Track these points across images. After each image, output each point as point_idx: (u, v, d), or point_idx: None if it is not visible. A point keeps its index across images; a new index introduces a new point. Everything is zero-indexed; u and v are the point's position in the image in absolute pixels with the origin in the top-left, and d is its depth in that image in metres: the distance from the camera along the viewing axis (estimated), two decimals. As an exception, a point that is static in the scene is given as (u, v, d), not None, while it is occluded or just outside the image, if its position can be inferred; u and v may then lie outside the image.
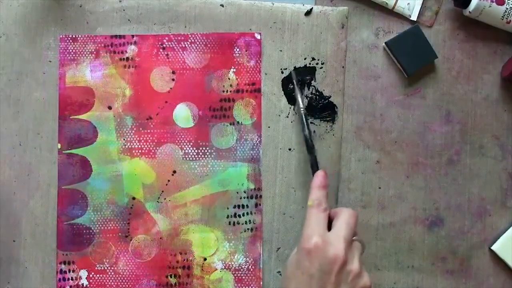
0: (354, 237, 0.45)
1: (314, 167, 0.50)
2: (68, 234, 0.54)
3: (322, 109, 0.55)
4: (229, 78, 0.55)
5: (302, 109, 0.52)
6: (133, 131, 0.54)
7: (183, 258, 0.54)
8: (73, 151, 0.54)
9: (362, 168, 0.55)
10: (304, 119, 0.52)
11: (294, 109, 0.54)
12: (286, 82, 0.55)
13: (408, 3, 0.55)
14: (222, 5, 0.55)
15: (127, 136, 0.54)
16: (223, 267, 0.54)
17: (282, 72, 0.55)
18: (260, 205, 0.54)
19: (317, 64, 0.55)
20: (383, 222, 0.55)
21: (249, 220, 0.54)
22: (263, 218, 0.54)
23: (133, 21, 0.55)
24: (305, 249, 0.43)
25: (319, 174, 0.48)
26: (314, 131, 0.55)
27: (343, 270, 0.42)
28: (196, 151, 0.54)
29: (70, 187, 0.54)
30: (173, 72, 0.55)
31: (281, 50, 0.55)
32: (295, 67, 0.55)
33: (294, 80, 0.54)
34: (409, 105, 0.56)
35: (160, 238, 0.54)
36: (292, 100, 0.55)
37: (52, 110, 0.54)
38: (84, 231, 0.54)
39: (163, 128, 0.54)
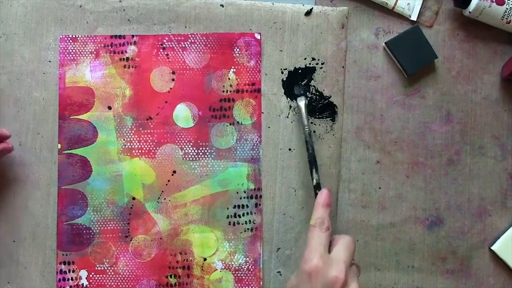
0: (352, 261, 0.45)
1: (318, 185, 0.50)
2: (68, 234, 0.54)
3: (322, 109, 0.55)
4: (229, 78, 0.55)
5: (306, 129, 0.51)
6: (133, 131, 0.54)
7: (183, 258, 0.54)
8: (73, 151, 0.54)
9: (362, 168, 0.55)
10: (308, 138, 0.51)
11: (292, 110, 0.54)
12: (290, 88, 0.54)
13: (408, 3, 0.55)
14: (222, 5, 0.55)
15: (127, 136, 0.54)
16: (223, 267, 0.54)
17: (282, 72, 0.55)
18: (260, 205, 0.54)
19: (317, 64, 0.55)
20: (383, 222, 0.55)
21: (249, 220, 0.54)
22: (263, 218, 0.54)
23: (133, 21, 0.55)
24: (306, 271, 0.42)
25: (324, 192, 0.47)
26: (314, 131, 0.55)
27: None
28: (196, 151, 0.54)
29: (70, 187, 0.54)
30: (173, 72, 0.55)
31: (281, 50, 0.55)
32: (295, 67, 0.55)
33: (302, 106, 0.52)
34: (409, 105, 0.56)
35: (160, 238, 0.54)
36: (293, 97, 0.55)
37: (52, 110, 0.54)
38: (84, 231, 0.54)
39: (163, 128, 0.54)
